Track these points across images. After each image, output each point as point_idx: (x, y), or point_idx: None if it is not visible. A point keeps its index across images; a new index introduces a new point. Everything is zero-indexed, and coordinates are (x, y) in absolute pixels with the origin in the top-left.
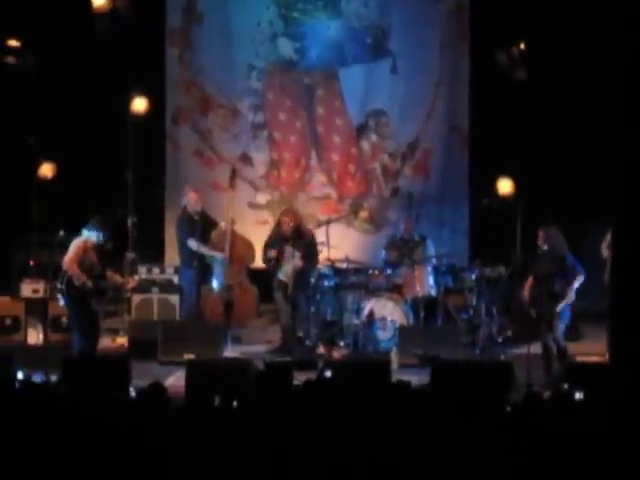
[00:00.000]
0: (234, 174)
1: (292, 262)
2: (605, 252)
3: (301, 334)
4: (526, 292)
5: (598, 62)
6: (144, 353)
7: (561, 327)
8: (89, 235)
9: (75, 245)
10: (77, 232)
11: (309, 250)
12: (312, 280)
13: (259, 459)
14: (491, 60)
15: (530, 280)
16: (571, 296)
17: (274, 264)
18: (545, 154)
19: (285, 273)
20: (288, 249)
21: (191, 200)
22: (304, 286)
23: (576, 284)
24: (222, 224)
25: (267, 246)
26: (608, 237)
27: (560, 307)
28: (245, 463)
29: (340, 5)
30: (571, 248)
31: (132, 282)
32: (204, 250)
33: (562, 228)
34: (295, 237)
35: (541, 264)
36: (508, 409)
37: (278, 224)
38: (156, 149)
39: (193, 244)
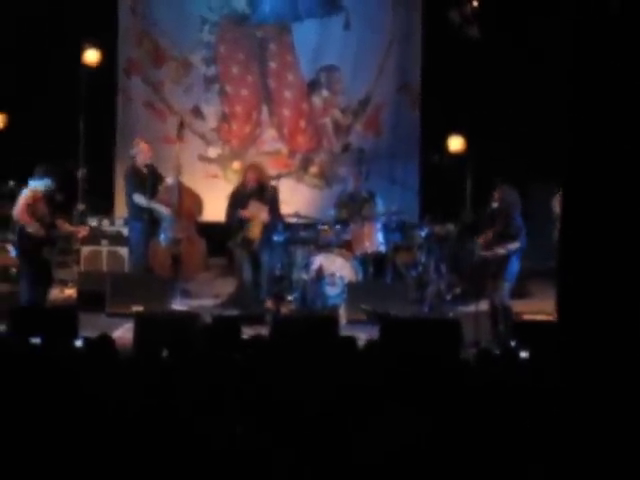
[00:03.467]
0: (182, 126)
1: (259, 217)
2: (557, 208)
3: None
4: (482, 242)
5: (550, 21)
6: (92, 305)
7: (506, 285)
8: (36, 185)
9: (23, 196)
10: (27, 182)
11: (273, 204)
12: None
13: (205, 413)
14: (444, 18)
15: (489, 235)
16: (498, 252)
17: (242, 224)
18: (496, 112)
19: (252, 229)
20: (254, 204)
21: (142, 152)
22: (269, 241)
23: (510, 246)
24: (169, 177)
25: (232, 205)
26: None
27: (482, 254)
28: (191, 416)
29: None
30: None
31: (83, 231)
32: (151, 204)
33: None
34: (259, 192)
35: (493, 222)
36: (458, 366)
37: (243, 180)
38: (107, 101)
39: (140, 199)
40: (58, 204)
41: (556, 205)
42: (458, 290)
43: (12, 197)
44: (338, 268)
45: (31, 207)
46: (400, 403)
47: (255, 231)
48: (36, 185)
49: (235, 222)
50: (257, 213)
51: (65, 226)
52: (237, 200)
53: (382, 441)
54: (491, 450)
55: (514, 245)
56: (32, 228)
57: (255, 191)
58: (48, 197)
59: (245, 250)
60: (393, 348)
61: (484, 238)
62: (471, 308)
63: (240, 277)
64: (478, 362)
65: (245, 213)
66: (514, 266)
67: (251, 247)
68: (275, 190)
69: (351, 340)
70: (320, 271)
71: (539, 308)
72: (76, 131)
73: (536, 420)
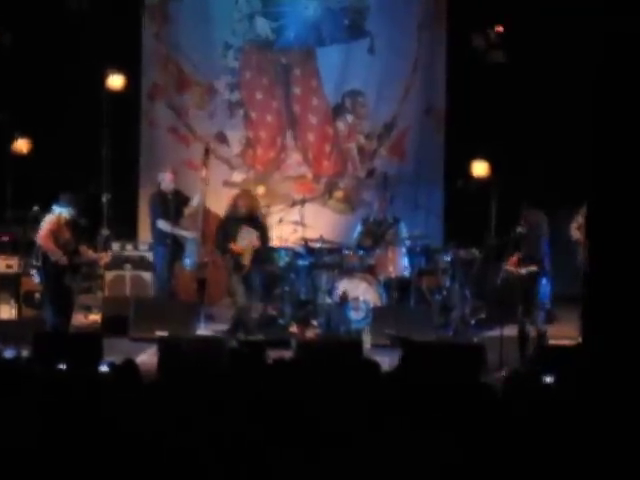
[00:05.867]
0: (207, 153)
1: (249, 241)
2: (575, 234)
3: (274, 313)
4: (511, 267)
5: (574, 45)
6: (116, 329)
7: (539, 311)
8: (60, 211)
9: (48, 221)
10: (51, 208)
11: (262, 232)
12: (276, 261)
13: (231, 438)
14: (468, 42)
15: (515, 258)
16: (520, 272)
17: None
18: (520, 137)
19: (243, 256)
20: (246, 229)
21: (166, 178)
22: (259, 266)
23: (532, 268)
24: (194, 202)
25: (222, 232)
26: (578, 219)
27: (506, 269)
28: (216, 441)
29: None
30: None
31: (105, 257)
32: (175, 230)
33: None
34: (249, 219)
35: (518, 246)
36: (480, 389)
37: (233, 206)
38: (131, 126)
39: (164, 224)
40: (82, 229)
41: (574, 229)
42: (482, 315)
43: (36, 222)
44: (362, 293)
45: (55, 233)
46: (422, 426)
47: (246, 258)
48: (61, 211)
49: (224, 251)
50: (248, 239)
51: (88, 253)
52: (227, 226)
53: (404, 463)
54: (512, 475)
55: (535, 268)
56: (55, 256)
57: (246, 217)
58: (72, 223)
59: (238, 274)
60: (415, 372)
61: (512, 261)
62: (496, 333)
63: (234, 301)
64: (504, 386)
65: (235, 248)
66: (545, 290)
67: (242, 272)
68: (264, 218)
69: (373, 364)
70: (344, 296)
71: (563, 333)
72: (100, 156)
73: (559, 445)
